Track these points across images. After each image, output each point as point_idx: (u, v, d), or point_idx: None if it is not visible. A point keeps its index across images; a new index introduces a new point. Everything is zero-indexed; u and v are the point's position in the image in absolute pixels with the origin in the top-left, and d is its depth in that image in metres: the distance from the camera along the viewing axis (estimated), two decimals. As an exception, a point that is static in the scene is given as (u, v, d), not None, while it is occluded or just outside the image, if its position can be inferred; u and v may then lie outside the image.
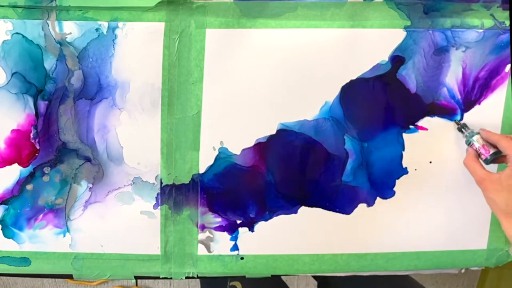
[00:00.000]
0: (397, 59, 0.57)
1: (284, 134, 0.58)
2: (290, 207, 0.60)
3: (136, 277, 0.63)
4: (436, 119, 0.59)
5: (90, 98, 0.57)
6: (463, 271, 0.64)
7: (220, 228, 0.61)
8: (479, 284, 1.25)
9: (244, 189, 0.60)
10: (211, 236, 0.61)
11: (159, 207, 0.60)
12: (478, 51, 0.58)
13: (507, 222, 0.53)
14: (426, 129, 0.59)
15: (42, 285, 1.21)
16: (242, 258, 0.62)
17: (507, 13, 0.57)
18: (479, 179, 0.54)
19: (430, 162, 0.60)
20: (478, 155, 0.56)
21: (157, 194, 0.60)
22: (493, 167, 0.59)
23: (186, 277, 0.62)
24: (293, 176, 0.60)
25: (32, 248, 0.61)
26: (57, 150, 0.58)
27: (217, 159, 0.59)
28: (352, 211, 0.61)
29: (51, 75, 0.56)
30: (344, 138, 0.59)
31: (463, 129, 0.58)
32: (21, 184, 0.59)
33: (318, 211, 0.61)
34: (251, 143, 0.59)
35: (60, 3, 0.54)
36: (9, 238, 0.60)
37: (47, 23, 0.55)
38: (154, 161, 0.59)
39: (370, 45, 0.56)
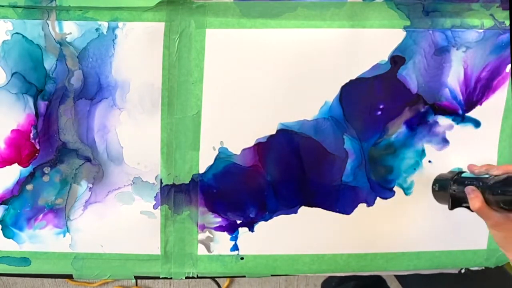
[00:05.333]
0: (397, 59, 0.57)
1: (284, 134, 0.58)
2: (290, 207, 0.60)
3: (136, 277, 0.63)
4: (437, 120, 0.59)
5: (90, 98, 0.57)
6: (463, 271, 0.64)
7: (220, 228, 0.61)
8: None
9: (244, 189, 0.60)
10: (211, 236, 0.61)
11: (159, 207, 0.60)
12: (478, 51, 0.58)
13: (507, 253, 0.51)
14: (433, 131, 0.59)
15: (42, 285, 1.21)
16: (242, 258, 0.62)
17: (507, 13, 0.57)
18: (495, 223, 0.49)
19: (430, 162, 0.60)
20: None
21: (157, 194, 0.60)
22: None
23: (186, 277, 0.62)
24: (293, 176, 0.60)
25: (32, 248, 0.61)
26: (57, 150, 0.58)
27: (217, 159, 0.59)
28: (352, 211, 0.61)
29: (51, 75, 0.56)
30: (344, 138, 0.59)
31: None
32: (21, 184, 0.59)
33: (318, 211, 0.61)
34: (251, 143, 0.59)
35: (60, 3, 0.54)
36: (9, 238, 0.60)
37: (47, 23, 0.55)
38: (154, 161, 0.59)
39: (369, 45, 0.56)
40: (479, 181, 0.50)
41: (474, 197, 0.49)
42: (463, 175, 0.54)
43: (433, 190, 0.59)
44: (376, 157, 0.59)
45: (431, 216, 0.61)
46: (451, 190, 0.54)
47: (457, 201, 0.53)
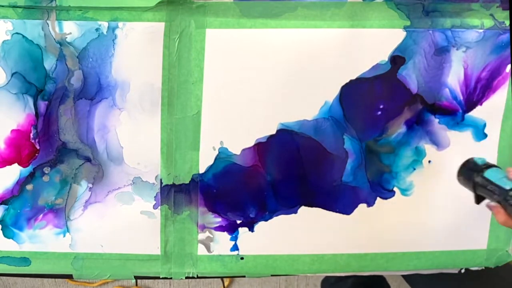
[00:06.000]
0: (397, 59, 0.57)
1: (284, 134, 0.58)
2: (290, 207, 0.60)
3: (136, 277, 0.63)
4: (437, 120, 0.59)
5: (90, 98, 0.57)
6: (463, 271, 0.64)
7: (220, 228, 0.61)
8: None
9: (244, 189, 0.60)
10: (211, 236, 0.61)
11: (159, 207, 0.60)
12: (478, 51, 0.58)
13: None
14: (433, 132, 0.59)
15: (42, 285, 1.21)
16: (242, 258, 0.62)
17: (507, 13, 0.57)
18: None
19: (429, 162, 0.60)
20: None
21: (157, 194, 0.60)
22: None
23: (186, 277, 0.62)
24: (293, 176, 0.60)
25: (32, 248, 0.61)
26: (57, 150, 0.58)
27: (217, 159, 0.59)
28: (352, 211, 0.61)
29: (51, 75, 0.56)
30: (344, 138, 0.59)
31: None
32: (21, 184, 0.59)
33: (318, 211, 0.61)
34: (251, 143, 0.59)
35: (60, 3, 0.54)
36: (9, 238, 0.60)
37: (47, 23, 0.55)
38: (154, 161, 0.59)
39: (369, 45, 0.56)
40: (502, 194, 0.49)
41: (497, 212, 0.51)
42: (486, 174, 0.52)
43: (458, 180, 0.56)
44: (376, 157, 0.59)
45: (431, 216, 0.61)
46: (475, 187, 0.53)
47: (482, 198, 0.53)
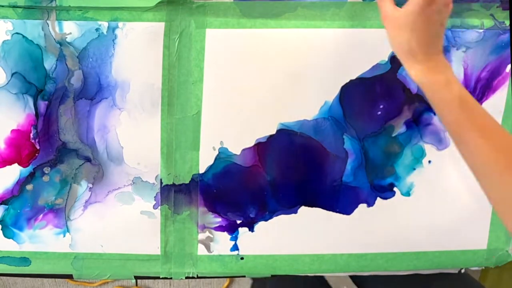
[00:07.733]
0: (396, 59, 0.57)
1: (284, 134, 0.58)
2: (290, 207, 0.60)
3: (136, 277, 0.63)
4: (436, 120, 0.59)
5: (90, 98, 0.57)
6: (463, 271, 0.64)
7: (220, 228, 0.61)
8: (480, 284, 1.24)
9: (244, 189, 0.60)
10: (211, 236, 0.61)
11: (159, 207, 0.60)
12: (478, 51, 0.58)
13: (408, 62, 0.47)
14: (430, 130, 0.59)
15: (42, 285, 1.21)
16: (242, 258, 0.62)
17: (507, 13, 0.57)
18: (384, 15, 0.47)
19: (429, 162, 0.60)
20: None
21: (157, 194, 0.60)
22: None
23: (186, 277, 0.62)
24: (293, 176, 0.60)
25: (32, 248, 0.61)
26: (57, 150, 0.58)
27: (217, 159, 0.59)
28: (352, 211, 0.61)
29: (51, 75, 0.56)
30: (344, 138, 0.59)
31: None
32: (21, 184, 0.59)
33: (318, 211, 0.61)
34: (251, 143, 0.59)
35: (60, 3, 0.54)
36: (9, 238, 0.60)
37: (47, 23, 0.55)
38: (154, 161, 0.59)
39: (369, 45, 0.56)
40: None
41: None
42: None
43: None
44: (376, 157, 0.59)
45: (431, 216, 0.61)
46: None
47: None
